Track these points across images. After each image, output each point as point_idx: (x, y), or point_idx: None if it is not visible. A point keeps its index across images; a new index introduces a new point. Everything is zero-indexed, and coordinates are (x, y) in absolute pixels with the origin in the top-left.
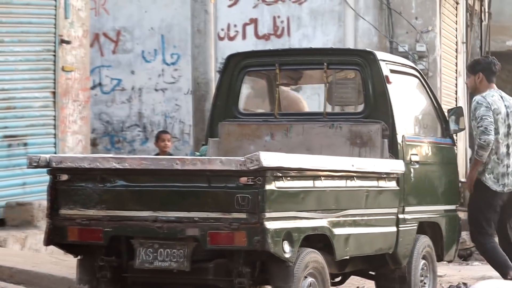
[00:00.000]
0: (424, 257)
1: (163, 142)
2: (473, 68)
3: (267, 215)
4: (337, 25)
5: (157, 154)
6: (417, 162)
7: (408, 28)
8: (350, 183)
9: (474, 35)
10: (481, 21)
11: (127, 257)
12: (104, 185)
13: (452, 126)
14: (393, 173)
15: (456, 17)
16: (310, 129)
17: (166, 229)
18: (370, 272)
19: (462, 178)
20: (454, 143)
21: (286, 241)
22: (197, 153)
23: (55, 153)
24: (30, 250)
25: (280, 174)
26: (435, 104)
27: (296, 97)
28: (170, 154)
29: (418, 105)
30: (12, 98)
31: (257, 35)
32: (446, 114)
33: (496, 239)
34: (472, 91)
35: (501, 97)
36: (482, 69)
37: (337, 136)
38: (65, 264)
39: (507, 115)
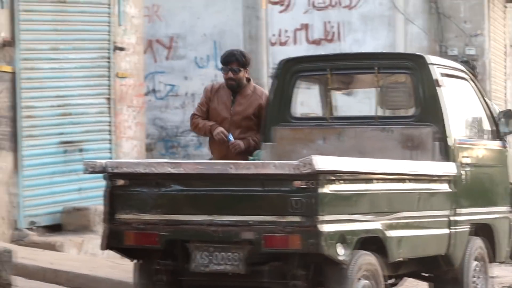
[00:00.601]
0: (476, 259)
1: None
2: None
3: (321, 218)
4: (387, 29)
5: (210, 159)
6: (468, 164)
7: (457, 32)
8: (402, 186)
9: None
10: None
11: (183, 260)
12: (159, 190)
13: (503, 129)
14: (445, 176)
15: (505, 20)
16: (362, 133)
17: (221, 232)
18: (423, 274)
19: None
20: (505, 146)
21: (340, 244)
22: (252, 158)
23: (110, 158)
24: (87, 254)
25: (333, 178)
26: (486, 107)
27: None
28: None
29: (469, 108)
30: (68, 105)
31: (308, 40)
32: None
33: None
34: None
35: None
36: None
37: (388, 140)
38: (122, 268)
39: None
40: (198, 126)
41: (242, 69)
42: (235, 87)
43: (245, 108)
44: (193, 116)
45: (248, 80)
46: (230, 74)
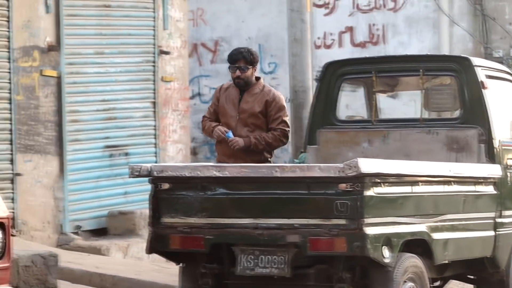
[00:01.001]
0: None
1: None
2: None
3: (366, 220)
4: (432, 32)
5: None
6: None
7: (503, 34)
8: (448, 188)
9: None
10: None
11: (228, 264)
12: (205, 193)
13: None
14: (490, 178)
15: None
16: (407, 135)
17: (266, 236)
18: (469, 276)
19: None
20: None
21: (385, 246)
22: (296, 160)
23: (156, 162)
24: (132, 258)
25: (379, 180)
26: None
27: None
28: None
29: None
30: (113, 109)
31: (353, 43)
32: None
33: None
34: None
35: None
36: None
37: (434, 142)
38: (167, 272)
39: None
40: (205, 128)
41: (250, 67)
42: (243, 86)
43: (252, 105)
44: (203, 118)
45: (258, 78)
46: (238, 73)
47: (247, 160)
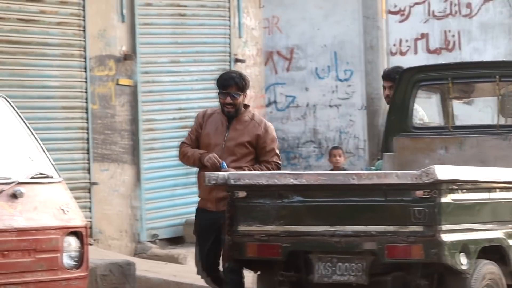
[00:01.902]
0: None
1: (334, 157)
2: None
3: (444, 227)
4: (507, 38)
5: (331, 170)
6: None
7: None
8: None
9: None
10: None
11: (305, 271)
12: (281, 201)
13: None
14: None
15: None
16: (483, 142)
17: (344, 243)
18: None
19: None
20: None
21: (462, 253)
22: (373, 168)
23: None
24: None
25: (455, 187)
26: None
27: None
28: (344, 169)
29: None
30: (189, 117)
31: (428, 50)
32: None
33: None
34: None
35: None
36: None
37: (510, 148)
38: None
39: None
40: (186, 155)
41: (241, 93)
42: (232, 114)
43: (240, 134)
44: (182, 144)
45: (246, 106)
46: (229, 100)
47: None
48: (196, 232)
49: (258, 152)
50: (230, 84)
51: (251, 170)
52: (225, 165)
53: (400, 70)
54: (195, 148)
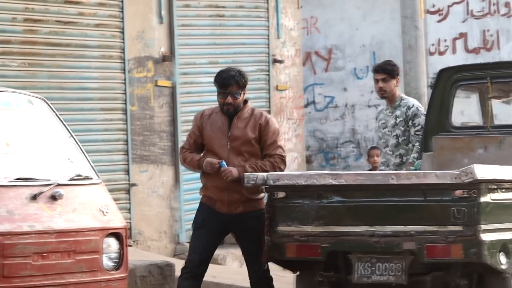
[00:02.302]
0: None
1: (373, 158)
2: (394, 71)
3: (483, 227)
4: None
5: (370, 170)
6: None
7: None
8: None
9: None
10: None
11: (345, 272)
12: (320, 201)
13: None
14: None
15: None
16: None
17: (383, 243)
18: None
19: None
20: None
21: (502, 253)
22: (412, 168)
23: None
24: None
25: (495, 186)
26: None
27: None
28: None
29: None
30: None
31: (466, 49)
32: None
33: None
34: (385, 96)
35: None
36: (399, 74)
37: None
38: (283, 281)
39: None
40: (186, 161)
41: (241, 92)
42: (232, 112)
43: (244, 132)
44: (181, 149)
45: (245, 101)
46: (230, 99)
47: (243, 193)
48: (198, 227)
49: (261, 146)
50: (231, 83)
51: (253, 167)
52: (224, 163)
53: (392, 63)
54: (194, 151)
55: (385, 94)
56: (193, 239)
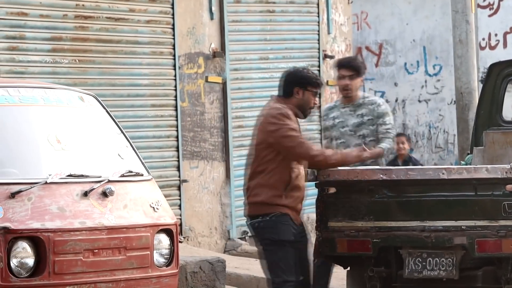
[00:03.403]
0: None
1: (397, 145)
2: (362, 69)
3: None
4: None
5: (395, 157)
6: None
7: None
8: None
9: None
10: None
11: (395, 267)
12: (371, 197)
13: None
14: None
15: None
16: None
17: (434, 238)
18: None
19: None
20: None
21: None
22: (463, 162)
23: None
24: None
25: None
26: None
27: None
28: (410, 157)
29: None
30: None
31: None
32: None
33: None
34: (348, 94)
35: None
36: (364, 73)
37: None
38: (334, 276)
39: None
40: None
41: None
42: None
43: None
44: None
45: None
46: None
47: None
48: (291, 241)
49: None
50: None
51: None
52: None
53: (359, 60)
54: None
55: (350, 93)
56: (285, 256)
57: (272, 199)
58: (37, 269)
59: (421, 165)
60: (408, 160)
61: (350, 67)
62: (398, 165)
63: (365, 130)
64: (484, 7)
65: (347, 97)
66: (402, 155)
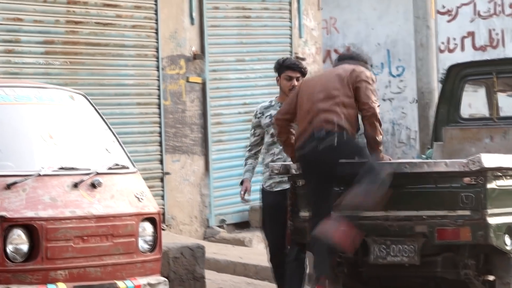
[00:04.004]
0: None
1: None
2: (306, 71)
3: (489, 211)
4: None
5: None
6: None
7: None
8: None
9: None
10: None
11: (362, 253)
12: (339, 189)
13: None
14: None
15: None
16: None
17: (397, 227)
18: None
19: None
20: None
21: (507, 235)
22: (423, 156)
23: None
24: None
25: (500, 174)
26: None
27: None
28: None
29: None
30: (253, 112)
31: (474, 47)
32: None
33: None
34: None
35: None
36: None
37: None
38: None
39: None
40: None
41: None
42: None
43: None
44: None
45: None
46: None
47: None
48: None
49: None
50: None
51: None
52: None
53: (297, 61)
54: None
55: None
56: None
57: None
58: (31, 255)
59: None
60: None
61: (299, 70)
62: None
63: None
64: (443, 13)
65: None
66: None
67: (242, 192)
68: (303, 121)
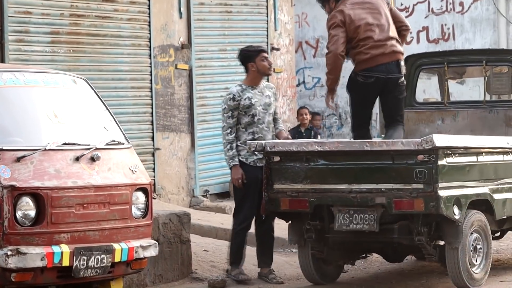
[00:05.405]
0: None
1: (301, 116)
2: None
3: (440, 185)
4: (492, 30)
5: (298, 126)
6: None
7: None
8: (506, 157)
9: None
10: None
11: (328, 221)
12: (308, 164)
13: None
14: None
15: None
16: (473, 114)
17: (359, 198)
18: None
19: None
20: None
21: (455, 206)
22: (383, 136)
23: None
24: None
25: (450, 152)
26: None
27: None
28: (311, 126)
29: None
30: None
31: (428, 40)
32: None
33: None
34: (270, 71)
35: None
36: None
37: (495, 120)
38: (278, 227)
39: None
40: None
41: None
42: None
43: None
44: None
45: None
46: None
47: None
48: None
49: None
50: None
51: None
52: None
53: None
54: None
55: (270, 70)
56: None
57: None
58: (38, 220)
59: (320, 134)
60: (310, 129)
61: (266, 51)
62: (301, 132)
63: (272, 109)
64: (401, 10)
65: (267, 75)
66: (304, 124)
67: (240, 181)
68: (373, 47)
